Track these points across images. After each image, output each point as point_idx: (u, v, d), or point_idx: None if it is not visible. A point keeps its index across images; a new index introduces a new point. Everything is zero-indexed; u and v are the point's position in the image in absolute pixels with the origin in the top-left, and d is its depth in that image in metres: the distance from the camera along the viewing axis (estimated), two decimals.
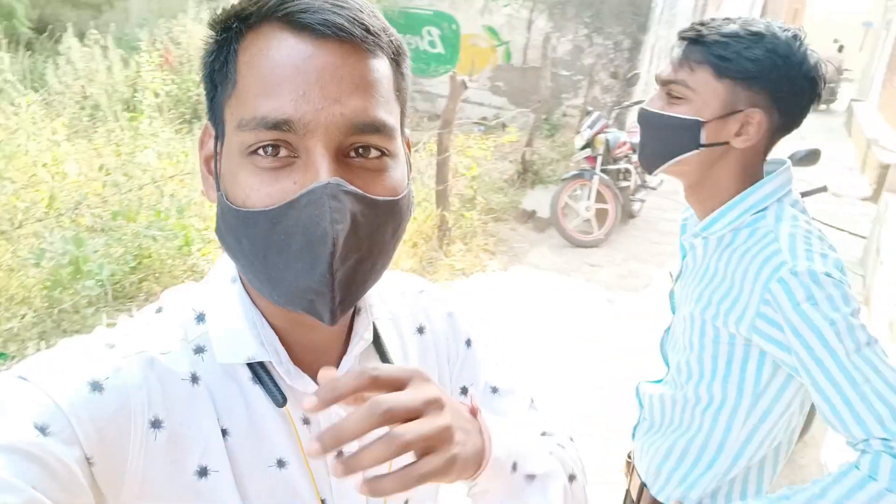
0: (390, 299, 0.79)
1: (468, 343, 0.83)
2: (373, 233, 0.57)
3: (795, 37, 1.08)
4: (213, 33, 0.59)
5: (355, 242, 0.54)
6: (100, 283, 3.67)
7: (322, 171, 0.53)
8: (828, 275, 0.99)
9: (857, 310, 0.99)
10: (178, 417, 0.59)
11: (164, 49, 6.96)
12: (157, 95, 5.88)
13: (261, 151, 0.54)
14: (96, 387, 0.55)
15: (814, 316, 0.97)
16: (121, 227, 4.04)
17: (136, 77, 6.15)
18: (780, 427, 1.16)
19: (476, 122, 8.12)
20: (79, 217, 4.07)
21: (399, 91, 0.61)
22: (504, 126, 7.45)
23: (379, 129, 0.56)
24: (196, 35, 7.05)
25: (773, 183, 1.14)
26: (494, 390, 0.81)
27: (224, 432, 0.61)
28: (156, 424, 0.58)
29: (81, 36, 6.49)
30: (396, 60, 0.61)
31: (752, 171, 1.15)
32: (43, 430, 0.51)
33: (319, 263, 0.53)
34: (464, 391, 0.81)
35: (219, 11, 0.58)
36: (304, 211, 0.53)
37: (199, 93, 6.61)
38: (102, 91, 6.06)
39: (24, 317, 3.34)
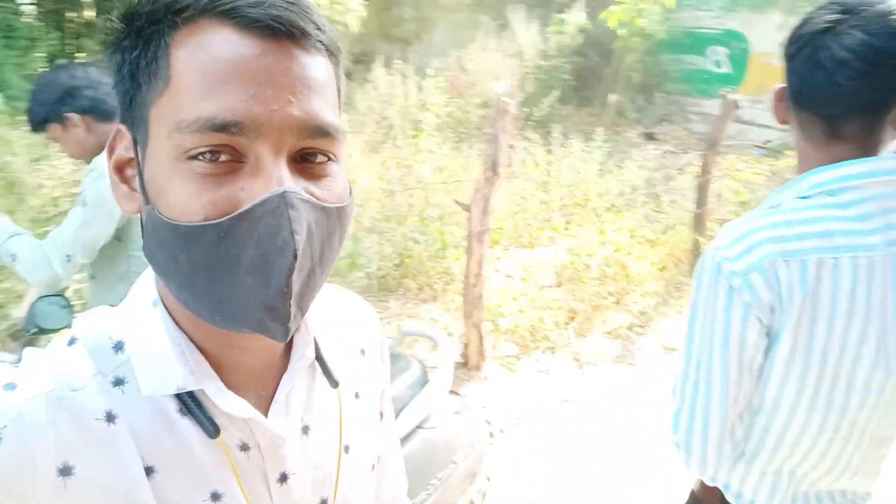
0: (333, 314, 0.74)
1: (383, 364, 0.80)
2: (324, 242, 0.53)
3: None
4: (125, 26, 0.53)
5: (310, 253, 0.51)
6: (368, 276, 4.28)
7: (277, 177, 0.49)
8: (725, 259, 0.97)
9: (729, 306, 0.96)
10: (93, 461, 0.53)
11: (452, 75, 7.73)
12: (438, 116, 6.60)
13: (200, 157, 0.49)
14: None
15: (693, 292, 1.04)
16: (391, 230, 4.65)
17: (424, 100, 6.96)
18: None
19: (757, 146, 7.45)
20: (359, 218, 4.77)
21: (339, 92, 0.58)
22: (783, 151, 6.72)
23: (330, 132, 0.52)
24: (482, 62, 7.70)
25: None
26: (382, 416, 0.79)
27: (149, 470, 0.55)
28: (65, 472, 0.52)
29: (389, 66, 7.53)
30: (336, 60, 0.57)
31: None
32: None
33: (276, 277, 0.49)
34: (381, 416, 0.79)
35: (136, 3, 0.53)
36: (259, 222, 0.48)
37: (478, 114, 7.23)
38: (397, 113, 6.96)
39: None
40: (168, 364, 0.56)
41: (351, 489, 0.70)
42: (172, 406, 0.57)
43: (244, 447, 0.60)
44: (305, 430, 0.65)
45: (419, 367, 2.14)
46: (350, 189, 0.58)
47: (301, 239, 0.48)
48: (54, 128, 1.75)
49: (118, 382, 0.56)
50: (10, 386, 0.53)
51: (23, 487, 0.51)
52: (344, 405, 0.70)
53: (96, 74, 1.79)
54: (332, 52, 0.56)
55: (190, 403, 0.57)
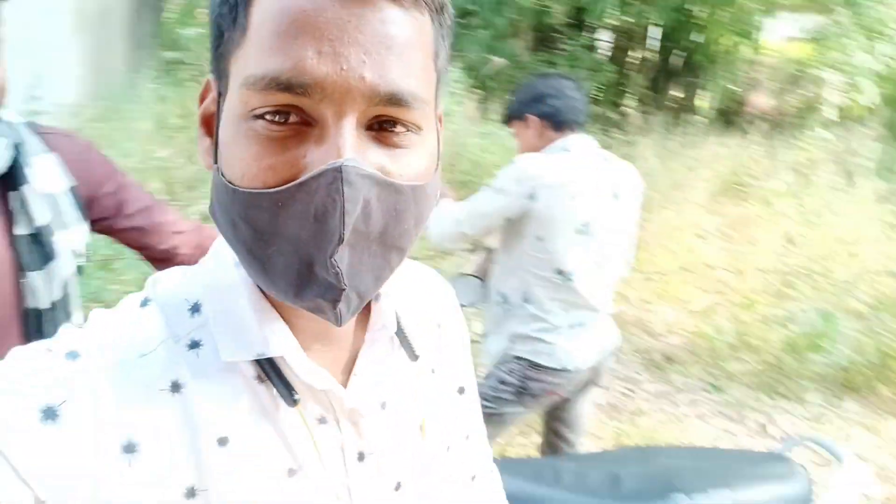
0: (412, 288, 0.71)
1: (464, 345, 0.78)
2: (390, 222, 0.48)
3: None
4: None
5: (369, 234, 0.47)
6: (829, 364, 3.66)
7: (339, 146, 0.44)
8: None
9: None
10: (160, 435, 0.50)
11: None
12: None
13: (266, 117, 0.45)
14: (50, 414, 0.47)
15: None
16: (879, 320, 3.84)
17: None
18: None
19: None
20: (841, 296, 4.09)
21: (438, 56, 0.51)
22: None
23: (409, 102, 0.46)
24: None
25: None
26: (463, 391, 0.77)
27: (223, 440, 0.52)
28: (129, 449, 0.49)
29: None
30: (439, 19, 0.50)
31: None
32: None
33: (327, 257, 0.46)
34: (461, 391, 0.76)
35: None
36: (314, 196, 0.44)
37: None
38: None
39: (743, 361, 3.74)
40: (248, 328, 0.54)
41: (426, 471, 0.66)
42: (251, 372, 0.54)
43: (322, 420, 0.57)
44: (383, 405, 0.62)
45: (804, 479, 1.80)
46: (437, 166, 0.53)
47: (351, 220, 0.44)
48: (517, 124, 2.03)
49: (194, 346, 0.54)
50: (73, 355, 0.50)
51: (82, 467, 0.47)
52: (422, 382, 0.67)
53: (567, 87, 1.97)
54: (433, 9, 0.49)
55: (269, 370, 0.54)
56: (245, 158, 0.46)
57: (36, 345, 0.51)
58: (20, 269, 1.14)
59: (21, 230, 1.13)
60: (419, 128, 0.49)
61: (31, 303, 1.15)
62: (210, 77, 0.53)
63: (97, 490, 0.48)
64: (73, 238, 1.19)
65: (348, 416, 0.59)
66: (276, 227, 0.46)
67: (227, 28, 0.48)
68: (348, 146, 0.44)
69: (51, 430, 0.47)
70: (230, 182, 0.47)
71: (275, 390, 0.54)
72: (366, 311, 0.62)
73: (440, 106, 0.55)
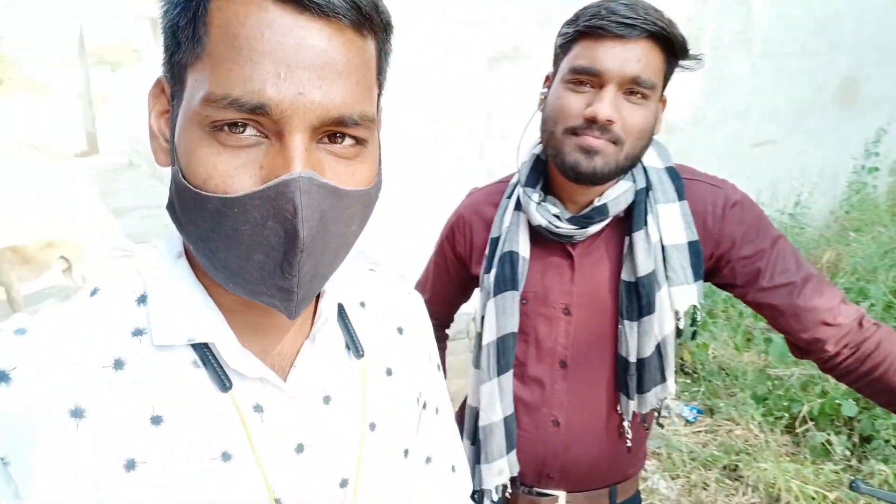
0: (370, 291, 0.75)
1: (430, 357, 0.80)
2: (340, 225, 0.53)
3: None
4: None
5: (324, 237, 0.51)
6: None
7: (295, 159, 0.48)
8: None
9: None
10: (102, 406, 0.54)
11: None
12: None
13: (226, 128, 0.49)
14: (2, 377, 0.51)
15: None
16: None
17: None
18: None
19: None
20: None
21: (381, 72, 0.56)
22: None
23: (356, 120, 0.51)
24: None
25: None
26: (437, 411, 0.80)
27: (156, 419, 0.55)
28: (77, 413, 0.53)
29: None
30: (382, 38, 0.55)
31: None
32: None
33: (286, 260, 0.50)
34: (424, 406, 0.78)
35: None
36: (272, 203, 0.48)
37: None
38: None
39: None
40: (184, 316, 0.57)
41: (377, 472, 0.67)
42: (188, 358, 0.58)
43: (258, 408, 0.59)
44: (327, 399, 0.64)
45: None
46: (378, 173, 0.57)
47: (311, 225, 0.49)
48: None
49: (137, 333, 0.57)
50: (21, 331, 0.54)
51: (36, 426, 0.51)
52: (370, 380, 0.69)
53: None
54: (375, 31, 0.53)
55: (206, 355, 0.58)
56: (206, 165, 0.50)
57: None
58: (620, 314, 1.14)
59: (625, 276, 1.12)
60: (365, 140, 0.54)
61: (622, 351, 1.15)
62: (162, 79, 0.56)
63: (47, 449, 0.51)
64: (679, 296, 1.10)
65: (285, 405, 0.61)
66: (235, 232, 0.50)
67: (183, 39, 0.51)
68: (303, 159, 0.49)
69: (5, 390, 0.51)
70: (192, 185, 0.50)
71: (209, 376, 0.58)
72: (312, 306, 0.66)
73: (380, 113, 0.61)
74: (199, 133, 0.50)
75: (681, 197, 1.11)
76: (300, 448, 0.62)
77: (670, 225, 1.10)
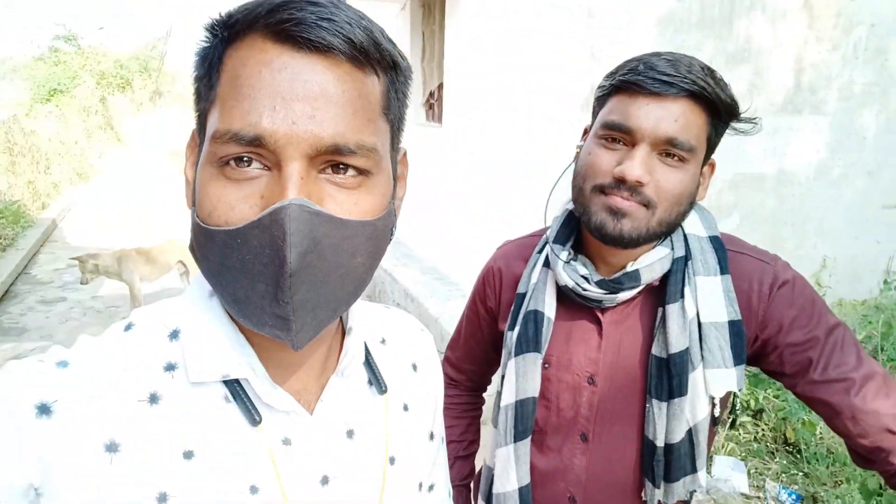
0: (389, 327, 0.77)
1: (437, 398, 0.81)
2: (340, 256, 0.53)
3: None
4: (207, 36, 0.56)
5: (319, 266, 0.52)
6: None
7: (288, 188, 0.50)
8: None
9: None
10: (136, 441, 0.55)
11: None
12: None
13: (232, 163, 0.52)
14: (44, 410, 0.52)
15: None
16: None
17: None
18: None
19: None
20: None
21: (389, 109, 0.57)
22: None
23: (353, 150, 0.52)
24: None
25: None
26: (442, 440, 0.83)
27: (188, 454, 0.57)
28: (111, 448, 0.54)
29: None
30: (391, 77, 0.57)
31: None
32: None
33: (279, 288, 0.51)
34: (431, 437, 0.79)
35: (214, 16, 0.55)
36: (266, 232, 0.49)
37: None
38: None
39: None
40: (217, 352, 0.59)
41: (395, 503, 0.69)
42: (220, 393, 0.59)
43: (286, 441, 0.61)
44: (350, 433, 0.66)
45: None
46: (389, 206, 0.58)
47: (300, 251, 0.49)
48: None
49: (169, 368, 0.59)
50: (63, 363, 0.56)
51: (71, 460, 0.52)
52: (391, 415, 0.71)
53: None
54: (378, 68, 0.55)
55: (237, 391, 0.59)
56: (211, 199, 0.53)
57: (28, 358, 0.56)
58: (648, 392, 1.04)
59: (656, 350, 1.03)
60: (368, 171, 0.55)
61: (649, 433, 1.04)
62: (194, 131, 0.60)
63: (81, 482, 0.52)
64: (715, 380, 0.99)
65: (312, 439, 0.63)
66: (237, 263, 0.52)
67: (203, 89, 0.55)
68: (297, 186, 0.50)
69: (45, 423, 0.52)
70: (201, 221, 0.54)
71: (239, 410, 0.60)
72: (339, 342, 0.68)
73: (401, 147, 0.62)
74: (210, 170, 0.53)
75: (724, 270, 1.00)
76: (325, 480, 0.63)
77: (710, 300, 0.99)
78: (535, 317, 1.09)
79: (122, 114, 14.55)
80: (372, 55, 0.53)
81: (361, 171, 0.54)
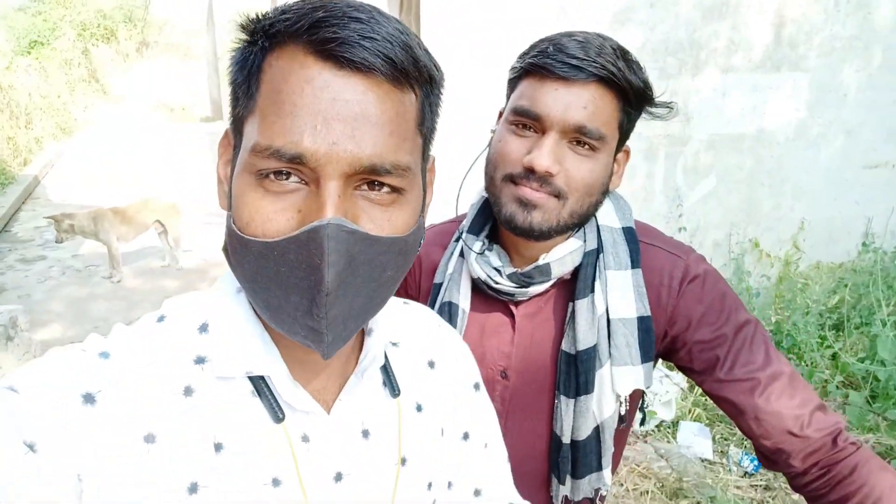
0: (402, 327, 0.77)
1: (476, 387, 0.81)
2: (373, 271, 0.55)
3: None
4: (244, 36, 0.57)
5: (353, 282, 0.54)
6: None
7: (326, 206, 0.51)
8: None
9: None
10: (171, 431, 0.57)
11: None
12: None
13: (271, 176, 0.53)
14: (89, 399, 0.54)
15: None
16: None
17: None
18: None
19: None
20: None
21: (423, 124, 0.58)
22: None
23: (389, 170, 0.54)
24: None
25: None
26: (485, 446, 0.82)
27: (218, 447, 0.59)
28: (149, 439, 0.56)
29: None
30: (426, 91, 0.58)
31: None
32: (31, 447, 0.51)
33: (314, 303, 0.53)
34: (465, 436, 0.79)
35: (251, 15, 0.56)
36: (304, 248, 0.51)
37: None
38: None
39: None
40: (244, 348, 0.61)
41: (406, 503, 0.70)
42: (247, 388, 0.62)
43: (305, 438, 0.64)
44: (365, 433, 0.68)
45: None
46: (418, 221, 0.60)
47: (337, 270, 0.51)
48: None
49: (199, 361, 0.61)
50: (105, 355, 0.58)
51: (112, 448, 0.54)
52: (404, 417, 0.72)
53: None
54: (416, 85, 0.56)
55: (262, 387, 0.62)
56: (250, 209, 0.54)
57: (70, 346, 0.58)
58: (557, 388, 1.02)
59: (565, 346, 1.00)
60: (402, 189, 0.56)
61: (556, 429, 1.03)
62: (229, 130, 0.61)
63: (122, 470, 0.54)
64: (622, 378, 0.96)
65: (328, 437, 0.65)
66: (272, 273, 0.54)
67: (241, 94, 0.57)
68: (335, 205, 0.52)
69: (90, 411, 0.54)
70: (238, 229, 0.55)
71: (264, 406, 0.62)
72: (358, 343, 0.70)
73: (430, 157, 0.64)
74: (248, 179, 0.54)
75: (635, 264, 0.97)
76: (339, 476, 0.65)
77: (619, 295, 0.96)
78: (450, 309, 1.07)
79: (107, 66, 14.24)
80: (411, 74, 0.54)
81: (395, 189, 0.56)
